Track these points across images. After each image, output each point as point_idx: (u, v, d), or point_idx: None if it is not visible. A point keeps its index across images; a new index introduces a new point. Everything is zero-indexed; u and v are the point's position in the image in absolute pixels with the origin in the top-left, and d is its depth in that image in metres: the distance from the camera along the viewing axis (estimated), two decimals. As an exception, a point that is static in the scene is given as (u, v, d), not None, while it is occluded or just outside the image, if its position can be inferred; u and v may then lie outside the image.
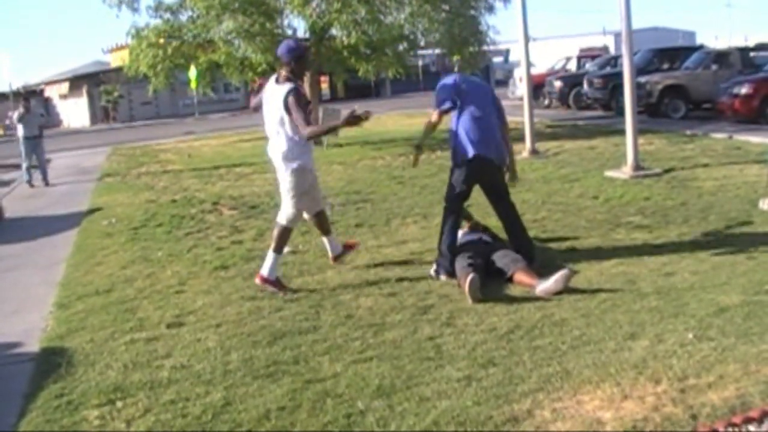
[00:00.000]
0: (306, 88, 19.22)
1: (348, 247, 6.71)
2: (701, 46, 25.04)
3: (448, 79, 6.35)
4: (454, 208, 6.20)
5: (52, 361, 4.72)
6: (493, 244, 6.24)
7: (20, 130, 15.40)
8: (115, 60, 38.86)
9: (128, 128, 35.15)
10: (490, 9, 18.94)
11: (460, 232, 6.50)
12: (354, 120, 5.64)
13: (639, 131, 11.32)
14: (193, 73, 23.65)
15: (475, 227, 6.60)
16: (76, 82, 43.69)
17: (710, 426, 3.27)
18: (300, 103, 5.65)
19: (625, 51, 10.93)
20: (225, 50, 17.57)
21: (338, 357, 4.44)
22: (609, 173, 10.57)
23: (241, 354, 4.60)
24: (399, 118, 25.45)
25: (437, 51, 20.60)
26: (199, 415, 3.80)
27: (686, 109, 18.78)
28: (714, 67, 18.81)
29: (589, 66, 26.28)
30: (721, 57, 19.45)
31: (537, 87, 22.84)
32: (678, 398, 3.57)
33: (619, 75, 13.66)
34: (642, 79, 17.84)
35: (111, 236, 8.80)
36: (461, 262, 5.73)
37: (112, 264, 7.34)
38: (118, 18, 21.39)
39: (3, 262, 8.17)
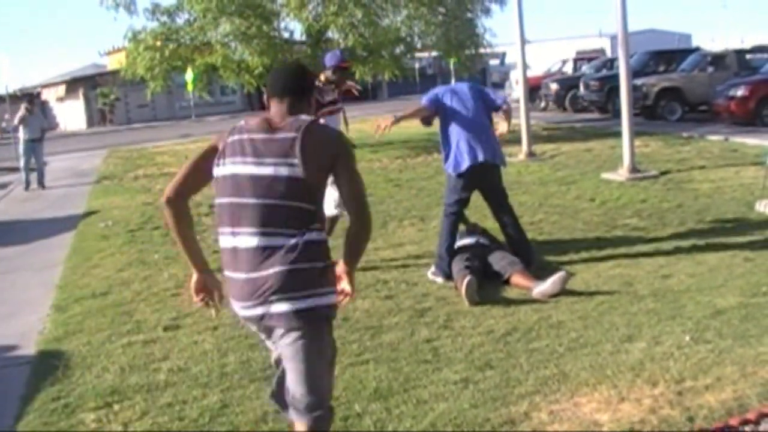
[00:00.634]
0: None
1: None
2: (697, 49, 25.10)
3: (436, 90, 6.38)
4: (453, 211, 6.21)
5: (48, 364, 4.72)
6: (490, 246, 6.23)
7: (21, 133, 15.29)
8: (112, 63, 38.74)
9: (125, 131, 35.10)
10: (487, 12, 19.01)
11: (457, 235, 6.51)
12: None
13: (635, 133, 11.34)
14: (189, 75, 23.64)
15: (473, 229, 6.60)
16: (73, 84, 43.60)
17: (707, 428, 3.28)
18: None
19: (621, 53, 10.96)
20: (222, 53, 17.55)
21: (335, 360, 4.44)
22: (605, 175, 10.58)
23: (238, 356, 4.59)
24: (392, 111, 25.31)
25: (434, 54, 20.66)
26: (196, 418, 3.80)
27: (682, 112, 18.82)
28: (710, 69, 18.85)
29: (585, 68, 26.31)
30: (717, 59, 19.48)
31: (533, 89, 22.87)
32: (675, 400, 3.58)
33: (615, 77, 13.69)
34: (638, 82, 17.86)
35: (108, 239, 8.79)
36: (458, 265, 5.74)
37: (109, 267, 7.33)
38: (116, 21, 21.41)
39: (0, 264, 8.17)
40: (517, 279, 5.62)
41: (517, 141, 13.77)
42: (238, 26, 16.46)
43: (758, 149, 11.77)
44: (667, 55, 22.32)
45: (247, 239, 2.75)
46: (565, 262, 6.20)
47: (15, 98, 28.73)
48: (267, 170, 2.75)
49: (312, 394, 2.79)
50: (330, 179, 2.85)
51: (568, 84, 24.88)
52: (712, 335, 4.38)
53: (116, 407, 4.01)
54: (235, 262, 2.79)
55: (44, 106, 45.88)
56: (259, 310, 2.74)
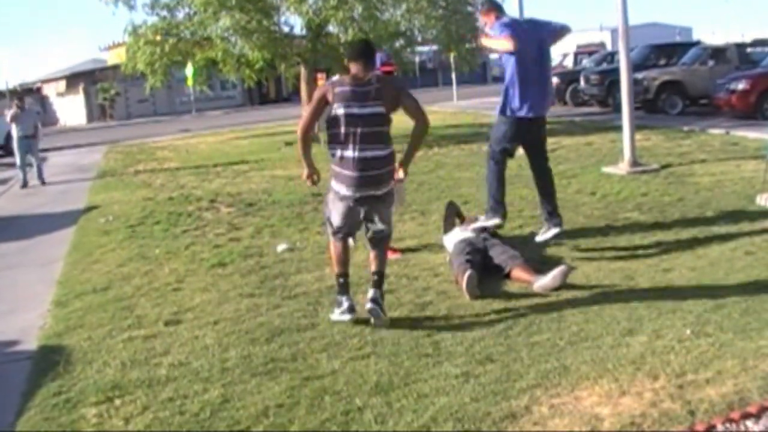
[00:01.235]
0: (302, 85, 19.34)
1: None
2: (698, 42, 25.07)
3: (502, 21, 6.27)
4: (499, 158, 6.32)
5: (49, 359, 4.72)
6: (490, 240, 6.23)
7: (14, 130, 15.25)
8: (112, 58, 38.75)
9: (125, 126, 35.09)
10: (487, 5, 18.93)
11: (457, 229, 6.51)
12: None
13: (636, 127, 11.32)
14: (189, 70, 23.61)
15: (473, 222, 6.59)
16: (73, 79, 43.58)
17: (708, 422, 3.28)
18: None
19: (621, 47, 10.93)
20: (222, 47, 17.55)
21: (336, 354, 4.44)
22: (606, 169, 10.57)
23: (239, 351, 4.60)
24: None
25: (434, 48, 20.61)
26: (197, 413, 3.80)
27: (683, 105, 18.80)
28: (711, 62, 18.82)
29: (585, 62, 26.30)
30: (718, 53, 19.45)
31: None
32: (676, 394, 3.57)
33: (615, 71, 13.66)
34: (639, 75, 17.84)
35: (108, 234, 8.78)
36: (459, 259, 5.73)
37: (110, 262, 7.33)
38: (115, 15, 21.42)
39: (0, 260, 8.16)
40: (518, 273, 5.62)
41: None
42: (238, 21, 16.43)
43: (759, 143, 11.75)
44: (668, 49, 22.28)
45: (356, 152, 4.79)
46: (565, 256, 6.19)
47: (15, 94, 28.70)
48: (366, 110, 4.80)
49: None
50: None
51: (569, 78, 24.85)
52: (712, 329, 4.37)
53: (117, 402, 4.01)
54: (347, 164, 4.81)
55: (44, 102, 45.93)
56: (369, 192, 4.84)
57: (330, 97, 4.82)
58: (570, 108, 23.80)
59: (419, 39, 19.50)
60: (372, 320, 4.85)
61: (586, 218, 7.64)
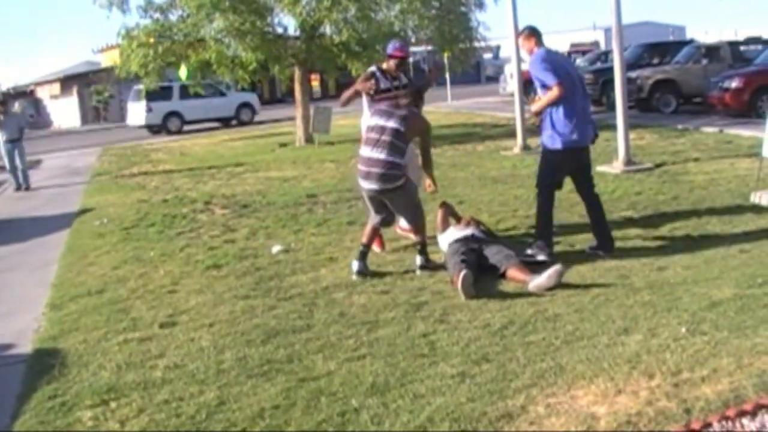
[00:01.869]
0: (296, 86, 19.33)
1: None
2: (692, 41, 25.12)
3: (543, 54, 6.28)
4: (548, 193, 6.30)
5: (45, 362, 4.70)
6: (486, 239, 6.23)
7: None
8: (106, 60, 38.64)
9: (119, 128, 35.00)
10: (480, 5, 18.97)
11: (453, 228, 6.51)
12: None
13: (630, 126, 11.35)
14: (183, 72, 23.55)
15: (469, 223, 6.60)
16: (67, 82, 43.47)
17: (704, 420, 3.28)
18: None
19: (615, 46, 10.96)
20: (216, 49, 17.51)
21: (332, 355, 4.44)
22: (600, 168, 10.58)
23: (235, 353, 4.59)
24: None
25: (428, 48, 20.59)
26: (193, 415, 3.80)
27: (677, 104, 18.85)
28: (704, 61, 18.87)
29: (579, 61, 26.31)
30: (711, 51, 19.51)
31: (528, 83, 22.78)
32: (671, 392, 3.58)
33: (609, 70, 13.68)
34: (633, 74, 17.88)
35: (103, 236, 8.76)
36: (454, 259, 5.73)
37: (105, 264, 7.32)
38: (109, 18, 21.37)
39: (-6, 263, 8.14)
40: (513, 273, 5.62)
41: (512, 134, 13.76)
42: (232, 22, 16.41)
43: (752, 140, 11.77)
44: (662, 48, 22.33)
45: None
46: (560, 255, 6.19)
47: (8, 96, 28.57)
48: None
49: None
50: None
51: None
52: (708, 327, 4.38)
53: (113, 405, 4.00)
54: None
55: (38, 104, 45.80)
56: (379, 186, 5.96)
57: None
58: (564, 107, 23.78)
59: (413, 39, 19.48)
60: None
61: (581, 217, 7.63)
